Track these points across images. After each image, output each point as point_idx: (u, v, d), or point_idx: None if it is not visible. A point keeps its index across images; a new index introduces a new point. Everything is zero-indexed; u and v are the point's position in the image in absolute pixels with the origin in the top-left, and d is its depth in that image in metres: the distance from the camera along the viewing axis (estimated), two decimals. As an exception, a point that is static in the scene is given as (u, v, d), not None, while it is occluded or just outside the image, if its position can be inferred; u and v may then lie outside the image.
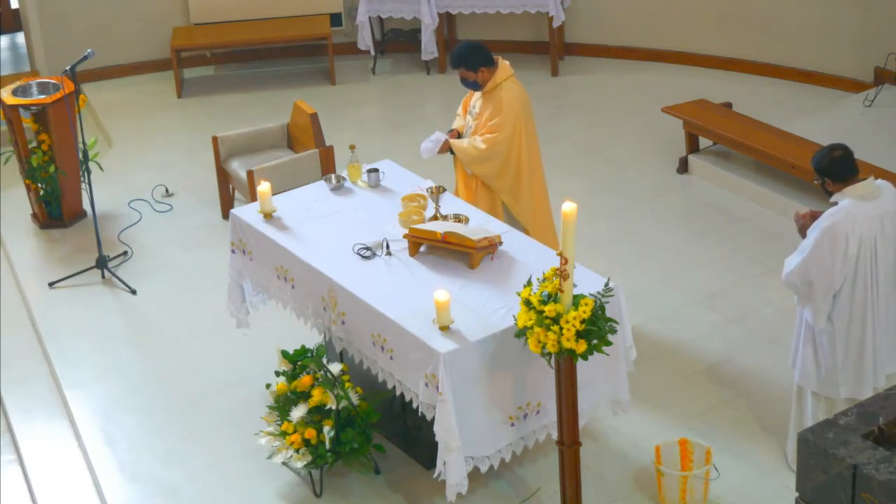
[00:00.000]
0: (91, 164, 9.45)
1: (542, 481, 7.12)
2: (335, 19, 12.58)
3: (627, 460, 7.27)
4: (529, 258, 7.08)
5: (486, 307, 6.69)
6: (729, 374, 7.96)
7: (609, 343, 6.21)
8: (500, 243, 7.16)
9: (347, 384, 7.04)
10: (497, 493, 7.10)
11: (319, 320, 7.25)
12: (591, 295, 6.19)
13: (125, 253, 9.65)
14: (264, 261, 7.59)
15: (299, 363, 7.25)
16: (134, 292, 9.20)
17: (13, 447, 7.95)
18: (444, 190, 7.55)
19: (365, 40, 12.22)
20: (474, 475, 6.89)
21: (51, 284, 9.34)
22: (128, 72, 12.64)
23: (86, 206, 10.04)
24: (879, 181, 6.67)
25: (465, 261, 7.07)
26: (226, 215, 9.81)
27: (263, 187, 7.67)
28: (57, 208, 10.06)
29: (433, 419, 6.48)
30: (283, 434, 7.04)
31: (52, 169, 9.80)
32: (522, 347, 6.42)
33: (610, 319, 6.24)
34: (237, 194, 10.04)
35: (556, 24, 12.00)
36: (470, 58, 7.81)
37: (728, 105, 10.68)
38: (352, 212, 7.69)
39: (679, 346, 8.25)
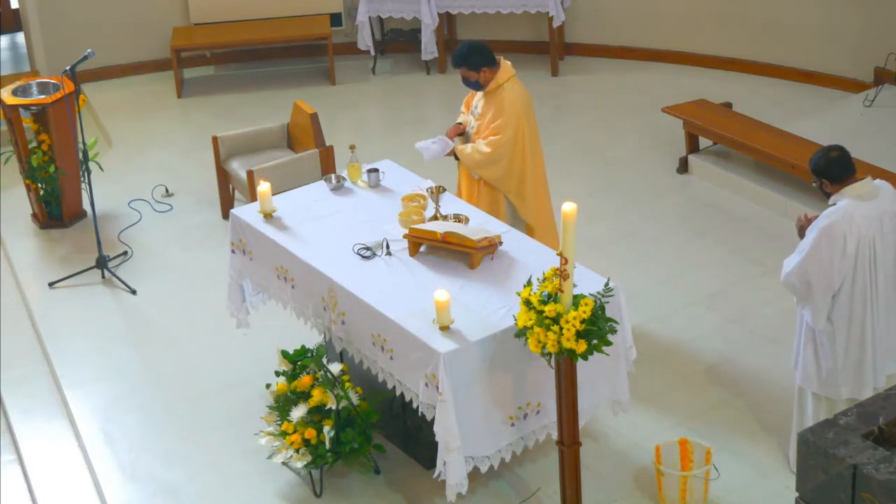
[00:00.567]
0: (91, 164, 9.45)
1: (542, 481, 7.12)
2: (335, 19, 12.58)
3: (627, 460, 7.27)
4: (529, 258, 7.08)
5: (486, 307, 6.69)
6: (729, 374, 7.96)
7: (609, 343, 6.21)
8: (500, 243, 7.16)
9: (347, 384, 7.04)
10: (497, 493, 7.10)
11: (319, 320, 7.25)
12: (591, 295, 6.19)
13: (125, 253, 9.65)
14: (264, 261, 7.59)
15: (299, 363, 7.25)
16: (134, 292, 9.20)
17: (13, 447, 7.95)
18: (444, 190, 7.55)
19: (365, 40, 12.22)
20: (474, 475, 6.89)
21: (51, 284, 9.34)
22: (128, 72, 12.64)
23: (86, 206, 10.04)
24: (878, 181, 6.68)
25: (465, 261, 7.07)
26: (226, 215, 9.82)
27: (263, 187, 7.67)
28: (57, 208, 10.06)
29: (433, 419, 6.48)
30: (283, 434, 7.04)
31: (52, 169, 9.80)
32: (522, 347, 6.42)
33: (610, 319, 6.24)
34: (237, 194, 10.04)
35: (556, 24, 12.00)
36: (472, 57, 7.81)
37: (728, 105, 10.68)
38: (352, 212, 7.69)
39: (679, 346, 8.25)
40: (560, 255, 6.02)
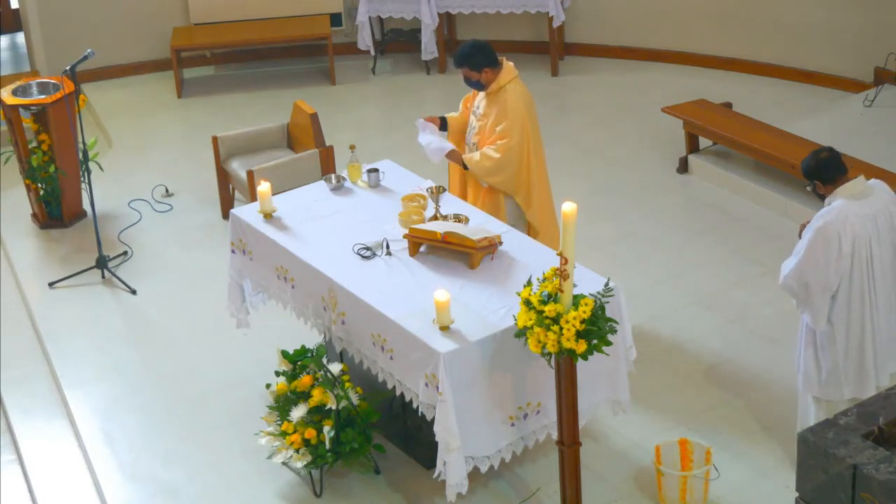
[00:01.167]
0: (91, 164, 9.45)
1: (542, 481, 7.12)
2: (335, 19, 12.58)
3: (627, 460, 7.27)
4: (529, 258, 7.08)
5: (486, 307, 6.69)
6: (729, 374, 7.96)
7: (609, 343, 6.21)
8: (500, 243, 7.16)
9: (347, 384, 7.04)
10: (497, 493, 7.10)
11: (319, 320, 7.25)
12: (591, 295, 6.19)
13: (125, 253, 9.65)
14: (264, 261, 7.59)
15: (299, 363, 7.25)
16: (134, 292, 9.20)
17: (13, 447, 7.95)
18: (444, 190, 7.55)
19: (365, 40, 12.22)
20: (474, 475, 6.89)
21: (51, 284, 9.34)
22: (128, 72, 12.64)
23: (86, 206, 10.04)
24: (872, 180, 6.70)
25: (465, 261, 7.07)
26: (226, 215, 9.82)
27: (263, 187, 7.67)
28: (57, 208, 10.06)
29: (433, 419, 6.48)
30: (283, 434, 7.04)
31: (52, 169, 9.80)
32: (522, 347, 6.42)
33: (610, 319, 6.24)
34: (237, 194, 10.04)
35: (556, 24, 12.00)
36: (474, 57, 7.79)
37: (728, 105, 10.68)
38: (352, 212, 7.69)
39: (679, 346, 8.25)
40: (560, 255, 6.02)
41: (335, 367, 7.09)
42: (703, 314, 8.56)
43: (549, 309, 6.07)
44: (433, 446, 6.60)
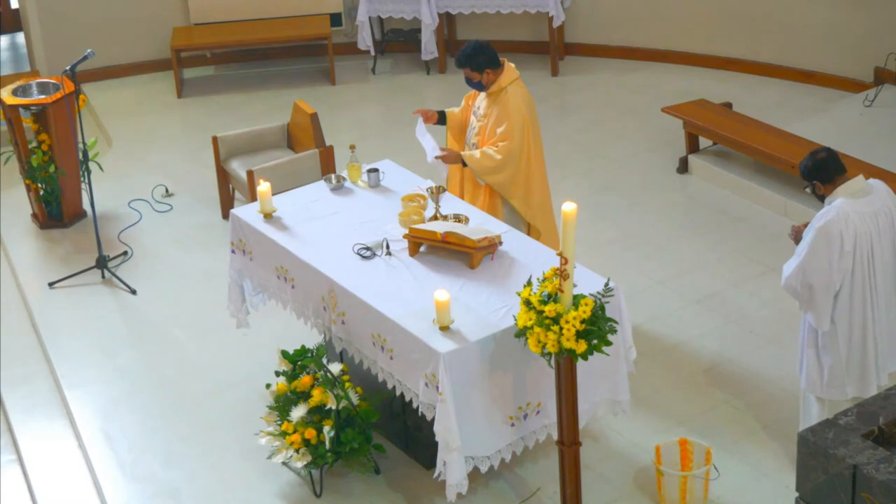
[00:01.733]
0: (91, 164, 9.45)
1: (542, 481, 7.12)
2: (335, 19, 12.58)
3: (627, 460, 7.27)
4: (529, 258, 7.08)
5: (486, 307, 6.69)
6: (729, 374, 7.96)
7: (609, 343, 6.21)
8: (500, 243, 7.16)
9: (347, 384, 7.04)
10: (497, 493, 7.10)
11: (319, 320, 7.25)
12: (591, 295, 6.19)
13: (125, 253, 9.65)
14: (264, 261, 7.59)
15: (299, 363, 7.25)
16: (134, 292, 9.20)
17: (13, 447, 7.95)
18: (444, 190, 7.54)
19: (365, 40, 12.22)
20: (474, 475, 6.89)
21: (51, 284, 9.34)
22: (128, 72, 12.64)
23: (86, 206, 10.05)
24: (871, 180, 6.70)
25: (465, 261, 7.07)
26: (226, 215, 9.82)
27: (263, 187, 7.67)
28: (57, 208, 10.06)
29: (433, 419, 6.48)
30: (283, 434, 7.04)
31: (52, 169, 9.80)
32: (522, 347, 6.42)
33: (610, 319, 6.24)
34: (237, 194, 10.04)
35: (556, 24, 12.00)
36: (476, 58, 7.78)
37: (728, 105, 10.68)
38: (352, 212, 7.69)
39: (679, 346, 8.25)
40: (560, 255, 6.02)
41: (335, 367, 7.09)
42: (703, 314, 8.56)
43: (549, 309, 6.07)
44: (433, 446, 6.60)
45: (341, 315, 7.02)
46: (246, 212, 7.79)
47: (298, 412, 7.01)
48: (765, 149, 9.73)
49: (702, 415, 7.60)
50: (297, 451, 6.98)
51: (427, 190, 7.58)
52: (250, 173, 9.30)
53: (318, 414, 7.02)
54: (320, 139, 9.72)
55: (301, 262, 7.26)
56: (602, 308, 6.19)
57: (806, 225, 6.77)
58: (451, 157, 7.94)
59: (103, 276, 9.38)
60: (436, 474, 6.60)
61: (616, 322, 6.33)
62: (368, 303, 6.80)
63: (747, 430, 7.45)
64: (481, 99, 7.99)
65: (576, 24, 12.41)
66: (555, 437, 6.57)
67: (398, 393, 6.81)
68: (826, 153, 6.61)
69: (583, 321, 6.05)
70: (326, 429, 6.93)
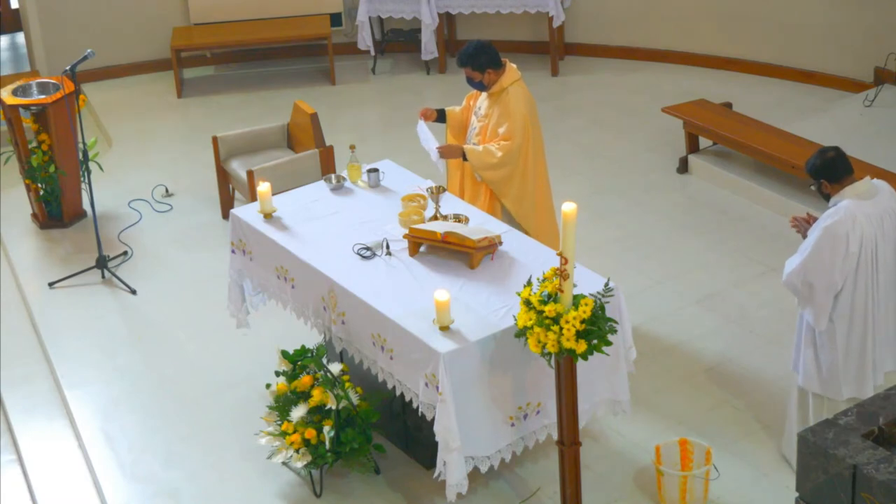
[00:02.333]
0: (91, 164, 9.46)
1: (542, 481, 7.12)
2: (335, 19, 12.59)
3: (627, 460, 7.27)
4: (529, 258, 7.08)
5: (486, 307, 6.69)
6: (728, 374, 7.96)
7: (609, 343, 6.21)
8: (500, 243, 7.16)
9: (347, 384, 7.04)
10: (497, 493, 7.10)
11: (319, 320, 7.25)
12: (591, 295, 6.19)
13: (125, 253, 9.65)
14: (264, 261, 7.59)
15: (299, 363, 7.25)
16: (134, 292, 9.20)
17: (13, 447, 7.95)
18: (444, 190, 7.55)
19: (365, 40, 12.23)
20: (474, 475, 6.89)
21: (51, 284, 9.34)
22: (128, 72, 12.64)
23: (86, 206, 10.05)
24: (876, 180, 6.68)
25: (465, 261, 7.07)
26: (226, 215, 9.82)
27: (263, 187, 7.67)
28: (57, 208, 10.06)
29: (433, 419, 6.48)
30: (283, 434, 7.04)
31: (52, 169, 9.81)
32: (522, 347, 6.42)
33: (610, 319, 6.24)
34: (237, 194, 10.04)
35: (556, 24, 12.00)
36: (478, 58, 7.77)
37: (728, 105, 10.68)
38: (352, 212, 7.69)
39: (679, 346, 8.25)
40: (560, 255, 6.02)
41: (335, 367, 7.09)
42: (703, 314, 8.56)
43: (549, 309, 6.07)
44: (433, 446, 6.60)
45: (341, 315, 7.02)
46: (246, 212, 7.79)
47: (298, 412, 7.01)
48: (765, 149, 9.73)
49: (702, 415, 7.60)
50: (297, 451, 6.98)
51: (427, 190, 7.58)
52: (250, 173, 9.30)
53: (318, 414, 7.02)
54: (320, 139, 9.72)
55: (301, 262, 7.26)
56: (602, 308, 6.19)
57: (807, 217, 6.76)
58: (453, 151, 7.94)
59: (103, 276, 9.38)
60: (436, 474, 6.60)
61: (616, 322, 6.33)
62: (368, 303, 6.80)
63: (747, 430, 7.45)
64: (482, 99, 7.99)
65: (576, 24, 12.41)
66: (555, 437, 6.57)
67: (398, 393, 6.81)
68: (835, 152, 6.58)
69: (583, 321, 6.05)
70: (326, 429, 6.93)
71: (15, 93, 9.86)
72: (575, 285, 6.16)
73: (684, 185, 10.24)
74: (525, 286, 6.23)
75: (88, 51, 9.09)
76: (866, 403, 5.51)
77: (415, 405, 6.68)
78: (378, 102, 12.04)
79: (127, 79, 12.59)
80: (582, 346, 6.07)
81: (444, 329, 6.50)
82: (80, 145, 9.23)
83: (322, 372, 7.09)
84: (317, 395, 6.99)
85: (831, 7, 11.34)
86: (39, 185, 9.95)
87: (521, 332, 6.24)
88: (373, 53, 12.39)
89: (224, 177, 9.96)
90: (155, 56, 12.65)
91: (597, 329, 6.10)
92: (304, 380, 7.09)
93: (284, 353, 7.31)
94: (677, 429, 7.45)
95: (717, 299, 8.70)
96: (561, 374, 6.25)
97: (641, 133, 11.01)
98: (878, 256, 6.55)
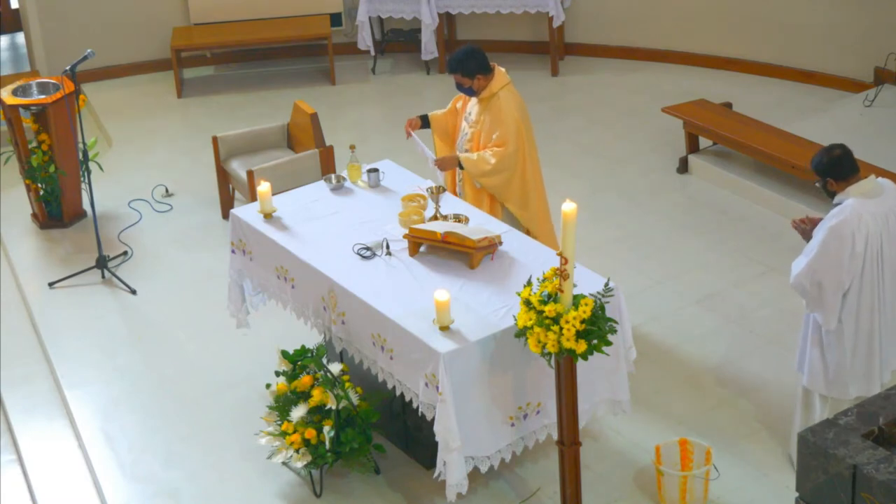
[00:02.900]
0: (91, 164, 9.45)
1: (542, 481, 7.12)
2: (335, 19, 12.59)
3: (627, 460, 7.27)
4: (529, 258, 7.08)
5: (486, 307, 6.69)
6: (729, 374, 7.96)
7: (609, 343, 6.21)
8: (500, 243, 7.16)
9: (347, 384, 7.04)
10: (497, 493, 7.10)
11: (319, 320, 7.25)
12: (591, 295, 6.19)
13: (125, 253, 9.65)
14: (264, 261, 7.59)
15: (299, 363, 7.25)
16: (134, 292, 9.20)
17: (13, 447, 7.95)
18: (444, 190, 7.55)
19: (365, 40, 12.23)
20: (474, 475, 6.89)
21: (51, 284, 9.34)
22: (128, 72, 12.64)
23: (86, 206, 10.05)
24: (881, 179, 6.67)
25: (465, 261, 7.07)
26: (226, 215, 9.82)
27: (263, 187, 7.67)
28: (57, 208, 10.06)
29: (433, 419, 6.48)
30: (283, 434, 7.04)
31: (52, 169, 9.81)
32: (522, 347, 6.42)
33: (610, 319, 6.24)
34: (237, 194, 10.04)
35: (556, 24, 12.00)
36: (467, 63, 7.79)
37: (728, 105, 10.68)
38: (352, 212, 7.69)
39: (679, 346, 8.25)
40: (560, 255, 6.02)
41: (335, 367, 7.09)
42: (703, 314, 8.56)
43: (549, 309, 6.07)
44: (433, 446, 6.60)
45: (341, 315, 7.02)
46: (246, 212, 7.79)
47: (298, 412, 7.01)
48: (765, 149, 9.73)
49: (702, 415, 7.60)
50: (297, 451, 6.98)
51: (427, 190, 7.58)
52: (250, 173, 9.30)
53: (318, 414, 7.02)
54: (320, 139, 9.72)
55: (301, 262, 7.26)
56: (602, 308, 6.19)
57: (807, 220, 6.75)
58: (449, 162, 7.96)
59: (103, 276, 9.38)
60: (436, 474, 6.60)
61: (616, 322, 6.33)
62: (368, 303, 6.80)
63: (747, 430, 7.45)
64: (473, 104, 8.00)
65: (576, 24, 12.41)
66: (555, 437, 6.57)
67: (398, 393, 6.81)
68: (842, 151, 6.55)
69: (583, 321, 6.05)
70: (326, 429, 6.93)
71: (15, 93, 9.86)
72: (575, 285, 6.16)
73: (684, 185, 10.24)
74: (525, 286, 6.23)
75: (88, 51, 9.09)
76: (866, 403, 5.51)
77: (415, 405, 6.68)
78: (378, 102, 12.04)
79: (127, 79, 12.59)
80: (582, 346, 6.07)
81: (444, 329, 6.50)
82: (80, 145, 9.23)
83: (322, 372, 7.09)
84: (317, 395, 6.99)
85: (831, 7, 11.34)
86: (39, 185, 9.95)
87: (521, 332, 6.24)
88: (373, 53, 12.39)
89: (224, 177, 9.96)
90: (155, 56, 12.65)
91: (597, 329, 6.10)
92: (304, 380, 7.09)
93: (284, 353, 7.31)
94: (677, 429, 7.45)
95: (717, 299, 8.70)
96: (561, 374, 6.25)
97: (641, 133, 11.01)
98: (883, 255, 6.55)
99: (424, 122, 8.18)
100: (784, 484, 6.96)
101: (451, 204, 7.65)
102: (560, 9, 11.96)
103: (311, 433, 6.95)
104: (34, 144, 9.88)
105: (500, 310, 6.65)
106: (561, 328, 6.04)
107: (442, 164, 7.96)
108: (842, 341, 6.64)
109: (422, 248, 7.21)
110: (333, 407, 6.95)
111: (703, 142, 10.43)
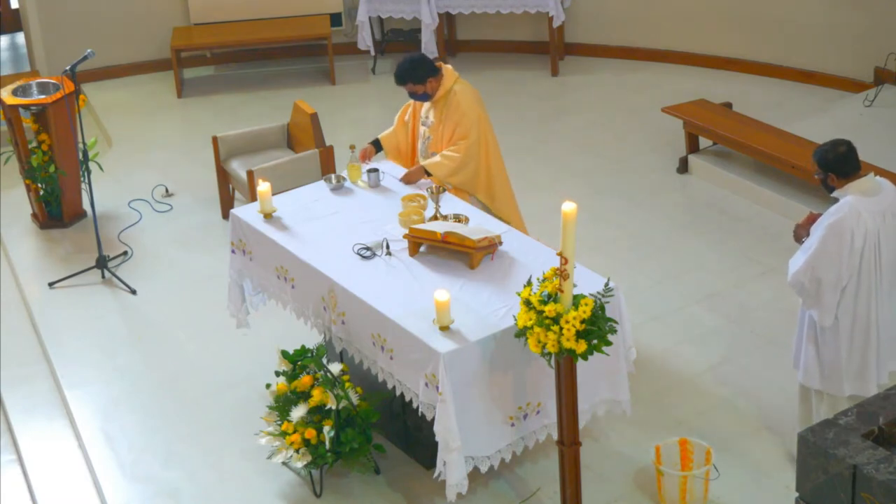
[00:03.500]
0: (91, 164, 9.45)
1: (542, 481, 7.12)
2: (335, 19, 12.59)
3: (627, 460, 7.27)
4: (529, 258, 7.09)
5: (486, 307, 6.69)
6: (729, 374, 7.96)
7: (609, 343, 6.21)
8: (500, 243, 7.17)
9: (347, 384, 7.04)
10: (497, 493, 7.09)
11: (319, 320, 7.25)
12: (591, 295, 6.19)
13: (125, 253, 9.65)
14: (264, 261, 7.59)
15: (299, 363, 7.25)
16: (134, 292, 9.20)
17: (13, 447, 7.95)
18: (444, 190, 7.56)
19: (365, 40, 12.23)
20: (474, 475, 6.89)
21: (51, 284, 9.34)
22: (128, 72, 12.65)
23: (86, 206, 10.05)
24: (879, 178, 6.68)
25: (465, 261, 7.07)
26: (226, 215, 9.82)
27: (263, 187, 7.67)
28: (57, 208, 10.06)
29: (433, 419, 6.48)
30: (283, 434, 7.04)
31: (52, 169, 9.81)
32: (522, 347, 6.42)
33: (610, 319, 6.24)
34: (237, 194, 10.04)
35: (556, 24, 12.00)
36: (416, 71, 7.91)
37: (728, 105, 10.68)
38: (352, 212, 7.69)
39: (679, 346, 8.25)
40: (560, 255, 6.02)
41: (335, 367, 7.09)
42: (703, 314, 8.56)
43: (549, 309, 6.07)
44: (433, 446, 6.60)
45: (341, 315, 7.02)
46: (246, 212, 7.79)
47: (298, 412, 7.01)
48: (765, 149, 9.73)
49: (702, 415, 7.60)
50: (297, 451, 6.98)
51: (427, 190, 7.58)
52: (250, 173, 9.30)
53: (318, 414, 7.02)
54: (320, 139, 9.72)
55: (301, 262, 7.26)
56: (602, 308, 6.18)
57: (812, 216, 6.75)
58: (415, 174, 7.99)
59: (103, 276, 9.38)
60: (436, 474, 6.60)
61: (616, 322, 6.33)
62: (368, 303, 6.80)
63: (747, 430, 7.45)
64: (427, 109, 8.09)
65: (576, 24, 12.41)
66: (555, 437, 6.57)
67: (398, 393, 6.81)
68: (847, 147, 6.54)
69: (583, 321, 6.05)
70: (326, 429, 6.93)
71: (15, 93, 9.86)
72: (575, 285, 6.16)
73: (684, 185, 10.24)
74: (525, 286, 6.23)
75: (88, 51, 9.09)
76: (866, 403, 5.51)
77: (415, 405, 6.68)
78: (378, 102, 12.04)
79: (127, 79, 12.59)
80: (582, 346, 6.07)
81: (444, 329, 6.50)
82: (80, 145, 9.23)
83: (322, 372, 7.09)
84: (317, 395, 6.99)
85: (831, 7, 11.34)
86: (39, 185, 9.95)
87: (521, 332, 6.24)
88: (373, 53, 12.39)
89: (224, 177, 9.96)
90: (155, 56, 12.65)
91: (597, 329, 6.10)
92: (304, 380, 7.09)
93: (284, 353, 7.31)
94: (677, 429, 7.45)
95: (718, 299, 8.70)
96: (561, 374, 6.25)
97: (641, 133, 11.01)
98: (881, 253, 6.55)
99: (378, 145, 8.27)
100: (784, 484, 6.96)
101: (451, 204, 7.65)
102: (560, 9, 11.96)
103: (311, 433, 6.95)
104: (34, 144, 9.88)
105: (500, 310, 6.65)
106: (561, 328, 6.04)
107: (408, 178, 8.00)
108: (837, 338, 6.64)
109: (422, 248, 7.21)
110: (333, 407, 6.95)
111: (704, 142, 10.43)
